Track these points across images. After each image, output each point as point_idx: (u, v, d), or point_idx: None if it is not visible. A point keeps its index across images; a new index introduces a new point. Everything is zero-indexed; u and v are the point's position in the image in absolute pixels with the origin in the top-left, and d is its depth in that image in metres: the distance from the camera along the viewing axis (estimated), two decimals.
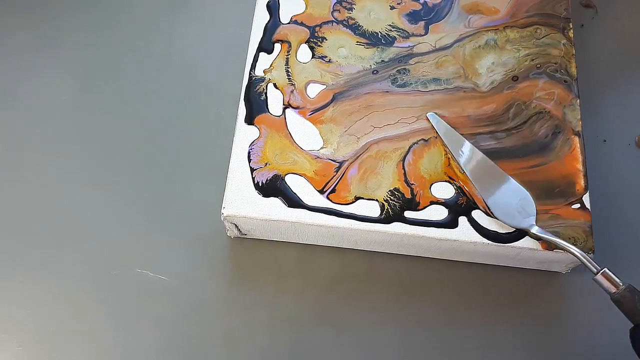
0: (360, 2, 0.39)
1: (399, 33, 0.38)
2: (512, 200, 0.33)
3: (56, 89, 0.40)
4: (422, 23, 0.38)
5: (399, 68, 0.37)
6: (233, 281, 0.35)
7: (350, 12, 0.38)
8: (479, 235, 0.33)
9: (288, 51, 0.37)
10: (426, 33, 0.38)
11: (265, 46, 0.37)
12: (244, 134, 0.34)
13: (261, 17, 0.38)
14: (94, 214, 0.37)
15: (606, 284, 0.29)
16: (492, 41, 0.38)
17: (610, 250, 0.36)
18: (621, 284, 0.28)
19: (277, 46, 0.37)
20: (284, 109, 0.35)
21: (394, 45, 0.37)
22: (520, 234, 0.33)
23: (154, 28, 0.43)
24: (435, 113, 0.35)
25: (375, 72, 0.37)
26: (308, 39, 0.37)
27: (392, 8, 0.39)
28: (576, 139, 0.35)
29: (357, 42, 0.37)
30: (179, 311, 0.34)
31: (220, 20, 0.43)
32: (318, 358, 0.34)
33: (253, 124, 0.35)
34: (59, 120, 0.39)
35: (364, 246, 0.36)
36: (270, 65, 0.37)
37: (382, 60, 0.37)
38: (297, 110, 0.35)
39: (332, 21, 0.38)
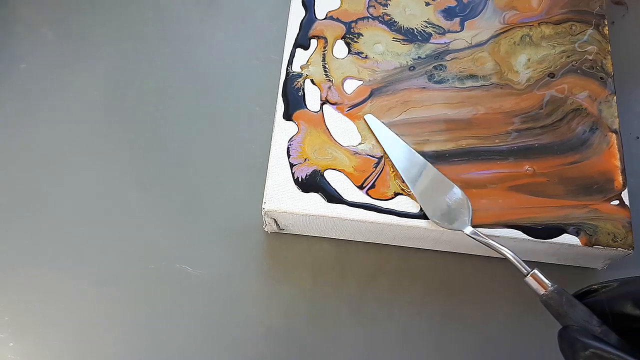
0: None
1: (434, 29, 0.38)
2: (446, 200, 0.33)
3: (85, 86, 0.40)
4: (457, 19, 0.38)
5: (435, 64, 0.37)
6: (270, 276, 0.36)
7: (385, 8, 0.38)
8: (518, 231, 0.33)
9: (324, 47, 0.37)
10: (462, 29, 0.38)
11: (302, 42, 0.37)
12: (283, 130, 0.35)
13: (297, 13, 0.38)
14: (133, 209, 0.37)
15: (535, 285, 0.28)
16: (527, 37, 0.38)
17: None
18: (550, 286, 0.27)
19: (314, 42, 0.37)
20: (322, 104, 0.35)
21: (430, 41, 0.37)
22: (558, 229, 0.33)
23: (183, 23, 0.43)
24: (372, 115, 0.35)
25: (412, 68, 0.37)
26: (344, 35, 0.37)
27: (427, 4, 0.39)
28: (613, 136, 0.35)
29: (394, 38, 0.37)
30: (217, 305, 0.35)
31: (251, 14, 0.43)
32: (354, 352, 0.34)
33: (291, 120, 0.35)
34: (90, 118, 0.39)
35: (401, 242, 0.36)
36: (307, 61, 0.37)
37: (419, 57, 0.37)
38: (334, 106, 0.35)
39: (368, 17, 0.38)
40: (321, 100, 0.36)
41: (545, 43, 0.38)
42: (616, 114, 0.36)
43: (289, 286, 0.35)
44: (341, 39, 0.37)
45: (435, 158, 0.34)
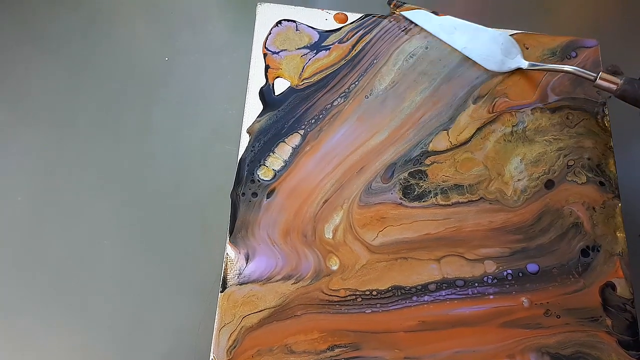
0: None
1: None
2: (495, 47, 0.34)
3: (11, 187, 0.34)
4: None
5: (412, 170, 0.31)
6: None
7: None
8: None
9: None
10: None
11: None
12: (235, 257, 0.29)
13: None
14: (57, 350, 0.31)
15: (607, 84, 0.30)
16: (520, 127, 0.33)
17: None
18: (620, 80, 0.30)
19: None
20: None
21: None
22: None
23: (128, 111, 0.37)
24: None
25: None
26: None
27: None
28: (616, 258, 0.31)
29: None
30: None
31: (205, 98, 0.38)
32: None
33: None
34: (13, 226, 0.34)
35: None
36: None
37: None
38: None
39: None
40: None
41: (540, 137, 0.33)
42: (621, 225, 0.31)
43: None
44: None
45: (418, 293, 0.29)
